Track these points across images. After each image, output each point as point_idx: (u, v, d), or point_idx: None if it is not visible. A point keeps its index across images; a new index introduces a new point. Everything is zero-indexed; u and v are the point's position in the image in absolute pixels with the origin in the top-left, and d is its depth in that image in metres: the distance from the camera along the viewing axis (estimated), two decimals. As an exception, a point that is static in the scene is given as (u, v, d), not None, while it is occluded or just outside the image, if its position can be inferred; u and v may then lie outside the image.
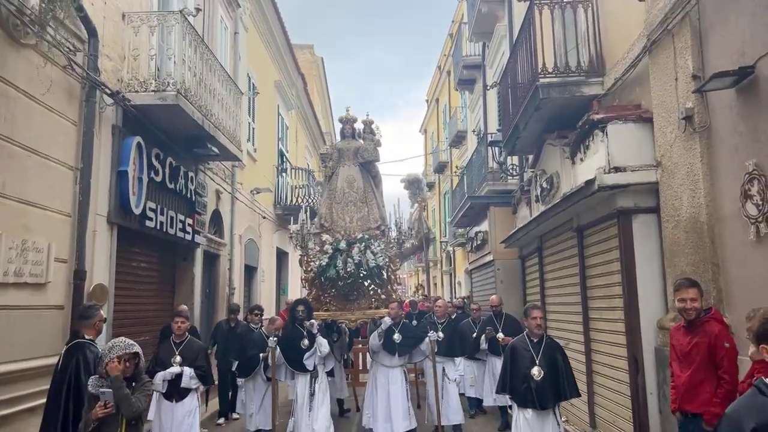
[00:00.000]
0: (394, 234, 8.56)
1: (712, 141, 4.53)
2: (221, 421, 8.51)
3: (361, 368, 10.06)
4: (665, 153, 5.15)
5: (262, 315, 8.50)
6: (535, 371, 4.87)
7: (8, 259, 4.83)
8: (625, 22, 6.21)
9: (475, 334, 8.29)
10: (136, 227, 7.19)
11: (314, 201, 15.01)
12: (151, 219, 7.46)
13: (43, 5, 4.96)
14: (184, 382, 5.79)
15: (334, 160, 9.04)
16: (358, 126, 9.19)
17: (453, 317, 8.90)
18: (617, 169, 5.50)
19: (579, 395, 5.15)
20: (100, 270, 6.41)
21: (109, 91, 6.47)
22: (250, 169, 12.71)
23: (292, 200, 16.35)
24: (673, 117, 4.94)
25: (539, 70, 6.92)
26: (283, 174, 16.51)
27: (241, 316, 9.31)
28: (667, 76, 5.04)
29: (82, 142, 6.01)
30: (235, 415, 8.61)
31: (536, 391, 4.84)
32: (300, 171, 17.93)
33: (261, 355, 7.23)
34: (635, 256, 5.50)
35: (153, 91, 6.97)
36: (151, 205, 7.48)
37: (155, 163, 7.57)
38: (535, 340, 5.06)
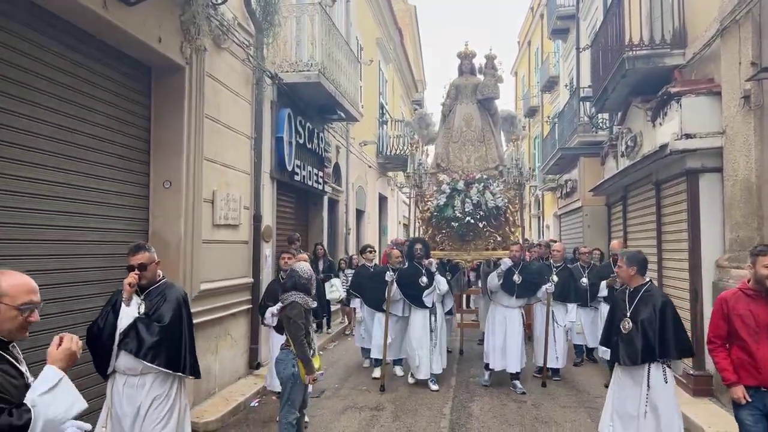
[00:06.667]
0: (514, 174, 8.07)
1: (764, 118, 5.59)
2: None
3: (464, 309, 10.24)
4: (729, 123, 6.20)
5: (374, 252, 9.25)
6: (624, 324, 4.39)
7: (220, 207, 6.78)
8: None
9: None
10: (287, 181, 9.08)
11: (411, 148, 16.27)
12: (297, 174, 9.33)
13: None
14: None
15: (451, 98, 8.69)
16: (478, 62, 8.80)
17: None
18: (688, 136, 6.60)
19: (674, 357, 4.36)
20: (267, 215, 8.36)
21: (270, 74, 8.21)
22: (358, 124, 14.27)
23: (391, 150, 17.94)
24: (736, 94, 5.97)
25: (626, 44, 7.92)
26: (384, 126, 18.07)
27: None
28: (734, 59, 6.03)
29: (254, 117, 7.84)
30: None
31: (623, 346, 4.38)
32: (398, 123, 19.39)
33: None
34: (700, 207, 6.65)
35: (300, 71, 8.67)
36: (297, 162, 9.32)
37: (299, 128, 9.36)
38: (631, 290, 4.49)
